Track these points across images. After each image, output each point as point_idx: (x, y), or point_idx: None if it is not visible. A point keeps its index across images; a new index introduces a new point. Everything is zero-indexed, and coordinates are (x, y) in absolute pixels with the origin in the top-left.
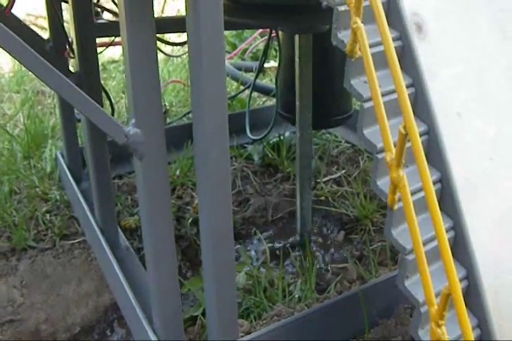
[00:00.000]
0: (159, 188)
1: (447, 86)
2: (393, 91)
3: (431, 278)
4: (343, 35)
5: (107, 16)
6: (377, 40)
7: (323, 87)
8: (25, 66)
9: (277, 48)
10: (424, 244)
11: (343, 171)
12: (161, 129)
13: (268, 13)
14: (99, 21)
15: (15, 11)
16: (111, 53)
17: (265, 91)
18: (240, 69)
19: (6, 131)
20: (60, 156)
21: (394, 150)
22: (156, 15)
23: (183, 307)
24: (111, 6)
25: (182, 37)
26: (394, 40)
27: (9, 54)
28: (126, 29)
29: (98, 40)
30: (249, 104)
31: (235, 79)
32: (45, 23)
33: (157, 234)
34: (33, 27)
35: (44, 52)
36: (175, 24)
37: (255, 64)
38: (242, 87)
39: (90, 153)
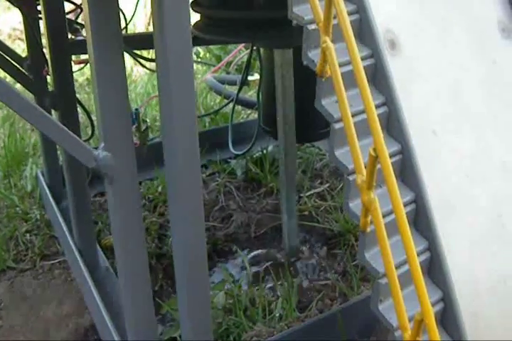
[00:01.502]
0: (131, 211)
1: (422, 103)
2: (364, 111)
3: (405, 302)
4: (313, 55)
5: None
6: (347, 58)
7: (305, 100)
8: None
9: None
10: (397, 267)
11: (327, 185)
12: (131, 152)
13: (244, 29)
14: (79, 38)
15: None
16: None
17: (249, 105)
18: (223, 82)
19: None
20: (40, 175)
21: (365, 171)
22: (143, 28)
23: (163, 328)
24: None
25: None
26: (366, 57)
27: None
28: (92, 46)
29: (82, 57)
30: (233, 118)
31: (218, 93)
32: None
33: (130, 255)
34: (18, 42)
35: (22, 70)
36: (146, 40)
37: (238, 77)
38: (225, 101)
39: (68, 173)
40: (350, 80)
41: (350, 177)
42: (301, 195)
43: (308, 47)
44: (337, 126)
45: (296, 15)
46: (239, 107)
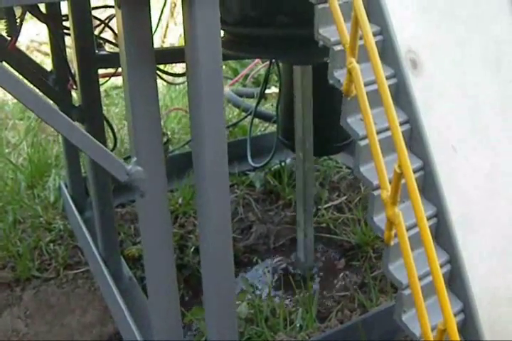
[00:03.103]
0: (161, 224)
1: (442, 121)
2: (389, 129)
3: (428, 312)
4: (339, 74)
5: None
6: (372, 78)
7: (323, 114)
8: (24, 104)
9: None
10: (421, 278)
11: (344, 197)
12: (162, 167)
13: (266, 46)
14: (102, 53)
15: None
16: (114, 79)
17: (266, 118)
18: (241, 96)
19: (10, 161)
20: (63, 186)
21: (389, 187)
22: (159, 41)
23: (186, 337)
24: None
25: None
26: (389, 77)
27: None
28: (126, 62)
29: (101, 71)
30: (251, 131)
31: (236, 106)
32: (49, 49)
33: (159, 267)
34: (36, 53)
35: (47, 84)
36: (175, 54)
37: (256, 90)
38: (243, 114)
39: (93, 183)
40: (375, 99)
41: (375, 193)
42: (319, 207)
43: (334, 67)
44: (362, 143)
45: (322, 36)
46: (256, 120)
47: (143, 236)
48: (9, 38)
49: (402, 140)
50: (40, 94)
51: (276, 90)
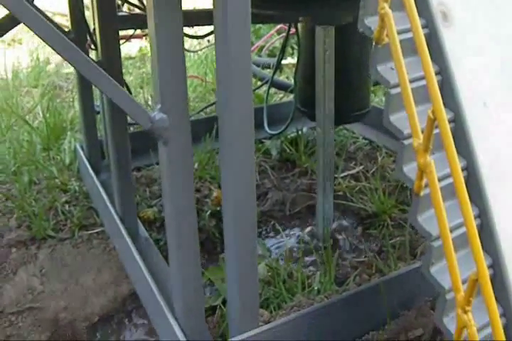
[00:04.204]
0: (183, 174)
1: (472, 75)
2: (420, 79)
3: (457, 265)
4: (370, 22)
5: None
6: (404, 27)
7: (341, 82)
8: (53, 49)
9: (293, 46)
10: (451, 230)
11: (361, 167)
12: (187, 115)
13: (293, 4)
14: (120, 14)
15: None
16: (127, 50)
17: (283, 87)
18: (258, 65)
19: (26, 122)
20: (79, 148)
21: (421, 136)
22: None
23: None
24: None
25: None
26: (421, 27)
27: (41, 39)
28: (153, 19)
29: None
30: (267, 98)
31: (253, 74)
32: (62, 21)
33: (181, 220)
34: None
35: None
36: (202, 17)
37: (272, 60)
38: (259, 83)
39: (112, 145)
40: (406, 48)
41: (405, 142)
42: (336, 175)
43: (365, 14)
44: (393, 91)
45: None
46: (272, 90)
47: (164, 187)
48: None
49: (437, 86)
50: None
51: (293, 61)
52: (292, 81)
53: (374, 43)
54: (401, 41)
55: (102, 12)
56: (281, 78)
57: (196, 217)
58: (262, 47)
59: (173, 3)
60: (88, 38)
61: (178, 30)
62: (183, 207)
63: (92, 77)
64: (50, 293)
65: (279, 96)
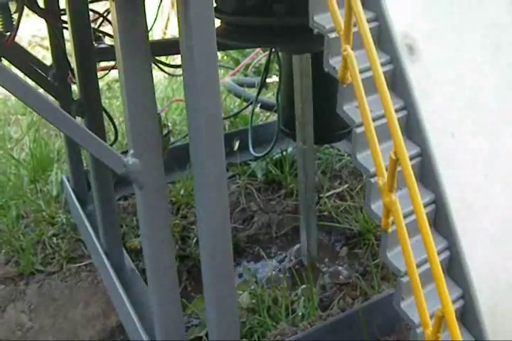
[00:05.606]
0: (159, 215)
1: (440, 107)
2: (385, 116)
3: (426, 299)
4: (335, 62)
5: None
6: (367, 65)
7: (323, 102)
8: (22, 101)
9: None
10: (418, 266)
11: (346, 185)
12: (160, 158)
13: (263, 35)
14: (101, 46)
15: (19, 32)
16: (116, 72)
17: (268, 107)
18: (242, 85)
19: (12, 157)
20: (65, 180)
21: (386, 174)
22: (160, 32)
23: (189, 328)
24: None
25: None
26: (385, 63)
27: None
28: (121, 54)
29: (103, 64)
30: (252, 120)
31: (238, 95)
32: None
33: (159, 259)
34: (38, 48)
35: (47, 79)
36: (171, 47)
37: (257, 79)
38: (245, 104)
39: (94, 177)
40: (370, 86)
41: (372, 180)
42: (321, 195)
43: (330, 54)
44: (358, 130)
45: (317, 24)
46: (258, 109)
47: (142, 228)
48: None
49: (398, 126)
50: (40, 90)
51: (277, 79)
52: None
53: (339, 83)
54: (365, 79)
55: (79, 47)
56: (268, 96)
57: (174, 256)
58: (248, 65)
59: (139, 37)
60: (70, 72)
61: (147, 70)
62: (160, 245)
63: (61, 126)
64: (39, 329)
65: (265, 115)
